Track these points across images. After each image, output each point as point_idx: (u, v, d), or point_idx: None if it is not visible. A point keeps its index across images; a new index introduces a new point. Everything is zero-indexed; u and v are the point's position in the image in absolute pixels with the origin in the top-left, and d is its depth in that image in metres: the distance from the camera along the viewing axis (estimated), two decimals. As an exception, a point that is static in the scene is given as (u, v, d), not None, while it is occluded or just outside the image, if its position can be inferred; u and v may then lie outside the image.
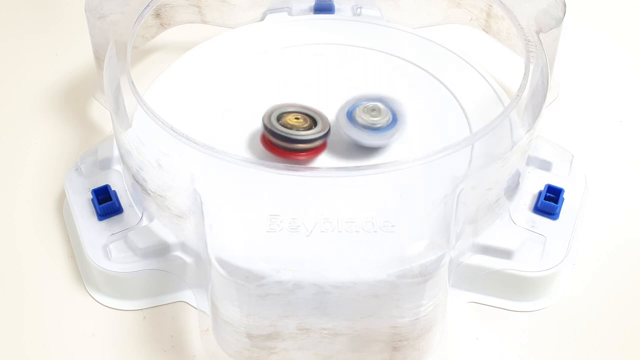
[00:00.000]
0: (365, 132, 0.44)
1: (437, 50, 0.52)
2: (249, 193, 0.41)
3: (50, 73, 0.58)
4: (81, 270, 0.46)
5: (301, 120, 0.44)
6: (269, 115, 0.44)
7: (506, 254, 0.43)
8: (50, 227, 0.48)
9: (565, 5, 0.48)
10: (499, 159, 0.41)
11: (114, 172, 0.47)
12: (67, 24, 0.62)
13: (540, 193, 0.46)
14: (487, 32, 0.53)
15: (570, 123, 0.54)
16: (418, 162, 0.39)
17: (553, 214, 0.45)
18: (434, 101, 0.49)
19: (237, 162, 0.39)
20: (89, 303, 0.45)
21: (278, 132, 0.43)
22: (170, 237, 0.43)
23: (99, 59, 0.49)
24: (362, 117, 0.44)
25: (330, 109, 0.45)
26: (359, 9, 0.55)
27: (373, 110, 0.45)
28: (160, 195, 0.42)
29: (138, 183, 0.44)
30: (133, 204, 0.45)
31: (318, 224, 0.40)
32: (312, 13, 0.56)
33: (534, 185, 0.47)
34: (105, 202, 0.45)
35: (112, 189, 0.46)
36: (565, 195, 0.46)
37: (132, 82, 0.43)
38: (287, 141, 0.43)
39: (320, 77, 0.50)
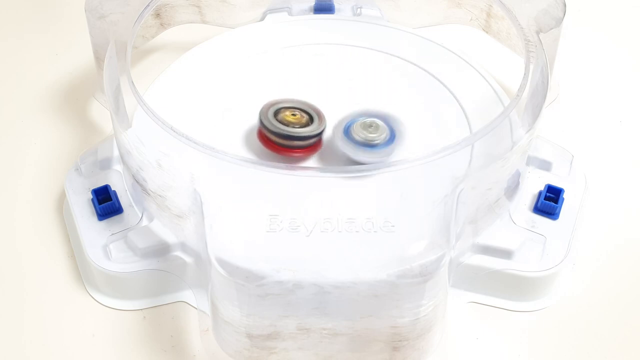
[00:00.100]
0: (361, 149, 0.43)
1: (437, 50, 0.52)
2: (249, 193, 0.41)
3: (50, 73, 0.58)
4: (81, 270, 0.46)
5: (298, 116, 0.44)
6: (266, 111, 0.44)
7: (506, 254, 0.43)
8: (50, 227, 0.48)
9: (565, 5, 0.48)
10: (499, 159, 0.41)
11: (114, 172, 0.47)
12: (67, 24, 0.62)
13: (540, 193, 0.46)
14: (487, 32, 0.53)
15: (570, 123, 0.54)
16: (418, 162, 0.39)
17: (553, 214, 0.45)
18: (434, 101, 0.48)
19: (237, 162, 0.39)
20: (89, 303, 0.45)
21: (274, 129, 0.43)
22: (170, 237, 0.43)
23: (99, 59, 0.49)
24: (359, 134, 0.43)
25: (330, 109, 0.45)
26: (359, 9, 0.55)
27: (370, 126, 0.44)
28: (160, 195, 0.42)
29: (138, 183, 0.44)
30: (133, 204, 0.45)
31: (318, 224, 0.40)
32: (312, 13, 0.56)
33: (534, 185, 0.47)
34: (105, 202, 0.45)
35: (112, 189, 0.46)
36: (565, 195, 0.46)
37: (132, 82, 0.43)
38: (283, 138, 0.43)
39: (320, 77, 0.50)
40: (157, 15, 0.53)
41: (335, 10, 0.56)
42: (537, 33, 0.46)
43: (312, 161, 0.44)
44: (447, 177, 0.41)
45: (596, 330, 0.44)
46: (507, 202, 0.45)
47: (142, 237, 0.43)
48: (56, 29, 0.62)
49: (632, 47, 0.61)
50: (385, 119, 0.44)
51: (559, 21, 0.47)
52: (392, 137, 0.44)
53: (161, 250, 0.43)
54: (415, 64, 0.51)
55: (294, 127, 0.43)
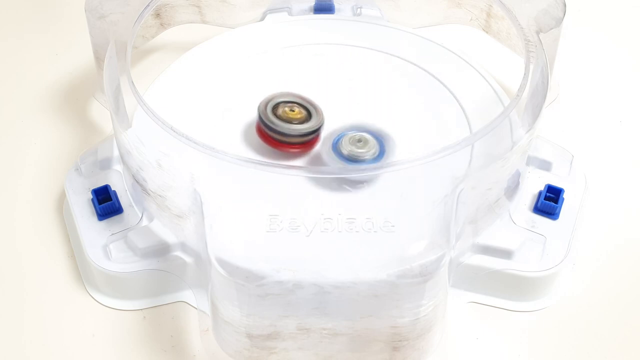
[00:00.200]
0: (347, 164, 0.42)
1: (437, 50, 0.52)
2: (249, 193, 0.41)
3: (50, 73, 0.58)
4: (81, 270, 0.46)
5: (296, 111, 0.44)
6: (264, 105, 0.44)
7: (506, 254, 0.43)
8: (50, 227, 0.48)
9: (565, 5, 0.48)
10: (499, 159, 0.41)
11: (114, 172, 0.47)
12: (67, 24, 0.62)
13: (540, 193, 0.46)
14: (487, 32, 0.53)
15: (570, 123, 0.54)
16: (418, 162, 0.39)
17: (553, 214, 0.45)
18: (434, 101, 0.48)
19: (237, 162, 0.39)
20: (89, 303, 0.45)
21: (272, 125, 0.43)
22: (170, 237, 0.43)
23: (99, 59, 0.49)
24: (346, 148, 0.43)
25: (330, 109, 0.45)
26: (359, 9, 0.55)
27: (359, 141, 0.43)
28: (160, 195, 0.42)
29: (138, 183, 0.44)
30: (133, 204, 0.45)
31: (318, 224, 0.40)
32: (312, 13, 0.56)
33: (534, 185, 0.47)
34: (105, 202, 0.45)
35: (112, 189, 0.46)
36: (565, 195, 0.46)
37: (132, 82, 0.43)
38: (281, 134, 0.43)
39: (320, 77, 0.50)
40: (157, 15, 0.53)
41: (335, 10, 0.56)
42: (537, 33, 0.46)
43: (311, 161, 0.44)
44: (447, 177, 0.41)
45: (596, 330, 0.44)
46: (507, 202, 0.45)
47: (142, 237, 0.43)
48: (56, 29, 0.62)
49: (632, 47, 0.61)
50: (376, 134, 0.44)
51: (559, 21, 0.47)
52: (381, 154, 0.43)
53: (161, 250, 0.43)
54: (415, 64, 0.51)
55: (291, 124, 0.43)
